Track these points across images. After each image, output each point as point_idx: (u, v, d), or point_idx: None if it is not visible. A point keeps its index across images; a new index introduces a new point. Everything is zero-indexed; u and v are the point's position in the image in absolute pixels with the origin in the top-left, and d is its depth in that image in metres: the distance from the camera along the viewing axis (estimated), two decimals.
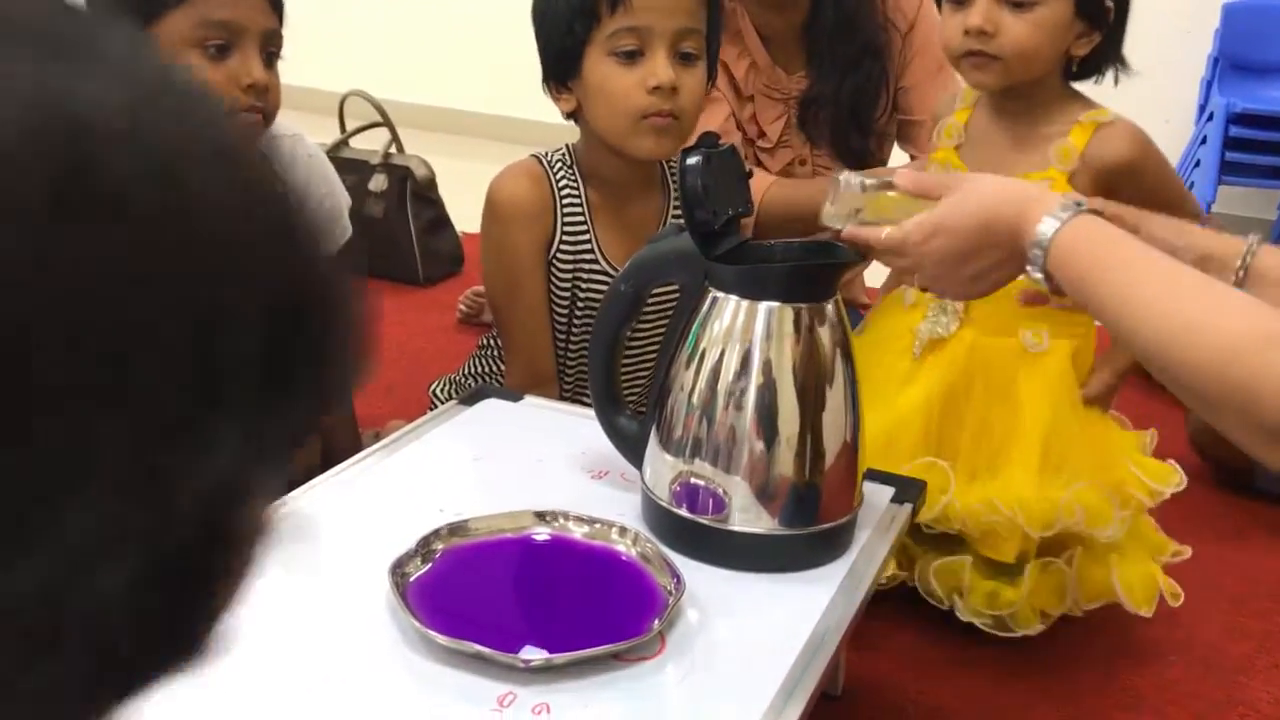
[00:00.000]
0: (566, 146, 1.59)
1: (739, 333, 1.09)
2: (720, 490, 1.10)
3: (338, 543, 1.11)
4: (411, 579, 1.01)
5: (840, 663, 1.45)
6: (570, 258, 1.55)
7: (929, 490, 1.34)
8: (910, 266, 1.09)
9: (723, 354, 1.10)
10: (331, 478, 1.23)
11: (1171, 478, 1.50)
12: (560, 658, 0.92)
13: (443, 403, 1.55)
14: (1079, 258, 0.95)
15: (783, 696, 0.92)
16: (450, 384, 1.72)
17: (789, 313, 1.08)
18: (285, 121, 1.63)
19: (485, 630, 0.95)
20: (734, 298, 1.09)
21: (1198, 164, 3.07)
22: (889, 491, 1.27)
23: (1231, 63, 3.14)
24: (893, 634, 1.58)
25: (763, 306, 1.09)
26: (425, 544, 1.05)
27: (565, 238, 1.54)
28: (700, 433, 1.10)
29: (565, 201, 1.55)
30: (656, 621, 0.97)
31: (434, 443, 1.32)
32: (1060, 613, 1.51)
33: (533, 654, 0.92)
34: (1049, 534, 1.45)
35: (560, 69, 1.51)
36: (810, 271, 1.10)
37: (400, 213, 2.70)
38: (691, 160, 1.09)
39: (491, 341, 1.70)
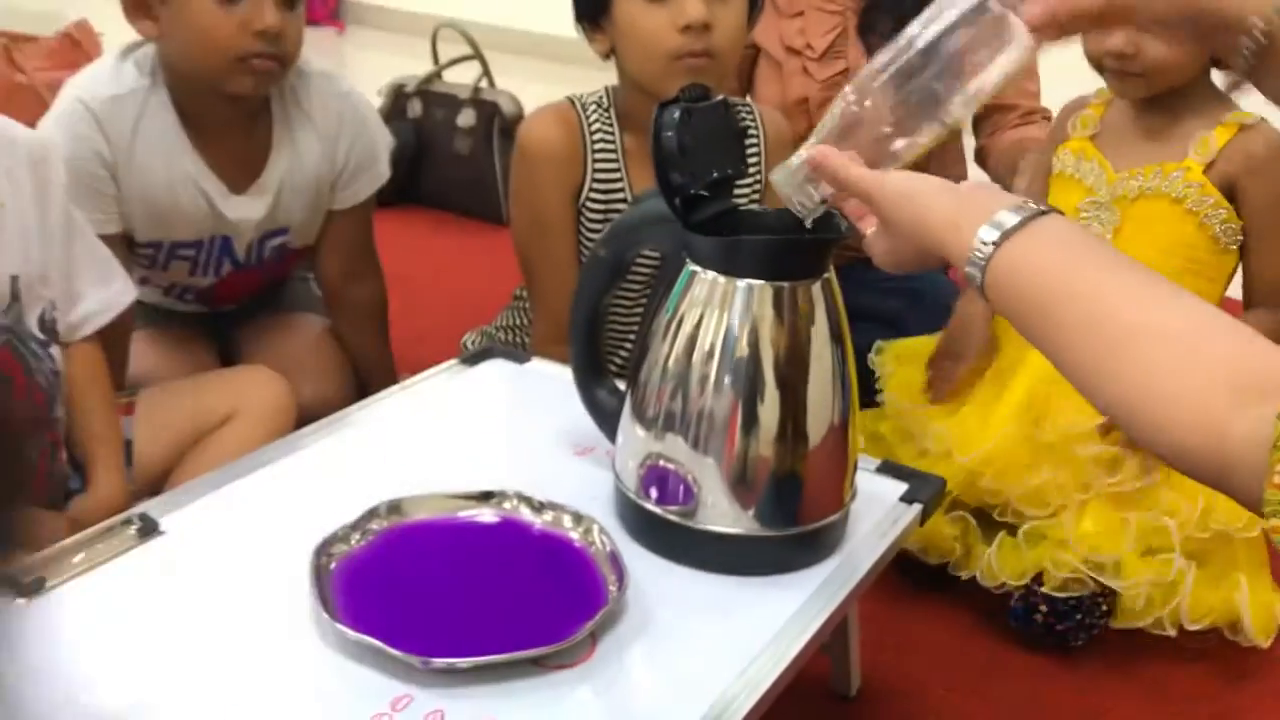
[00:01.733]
0: (605, 89, 1.50)
1: (716, 311, 0.99)
2: (690, 479, 1.00)
3: (285, 512, 1.06)
4: (340, 559, 0.96)
5: (854, 663, 1.34)
6: (601, 205, 1.47)
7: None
8: (877, 216, 0.89)
9: (698, 332, 1.00)
10: (307, 434, 1.18)
11: None
12: (464, 662, 0.85)
13: None
14: (1023, 280, 0.75)
15: (720, 706, 0.84)
16: (482, 335, 1.66)
17: (769, 291, 0.97)
18: (317, 60, 1.59)
19: (403, 621, 0.89)
20: (711, 273, 0.99)
21: None
22: (898, 488, 1.15)
23: None
24: (923, 633, 1.47)
25: (741, 283, 0.98)
26: (362, 522, 0.99)
27: (596, 183, 1.46)
28: (673, 416, 1.01)
29: (597, 146, 1.47)
30: (587, 625, 0.89)
31: (420, 403, 1.26)
32: (1156, 617, 1.38)
33: (438, 656, 0.85)
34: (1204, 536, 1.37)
35: (590, 8, 1.41)
36: (794, 246, 0.98)
37: (486, 150, 2.65)
38: (667, 115, 0.98)
39: (525, 293, 1.63)
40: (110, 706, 0.80)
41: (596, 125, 1.47)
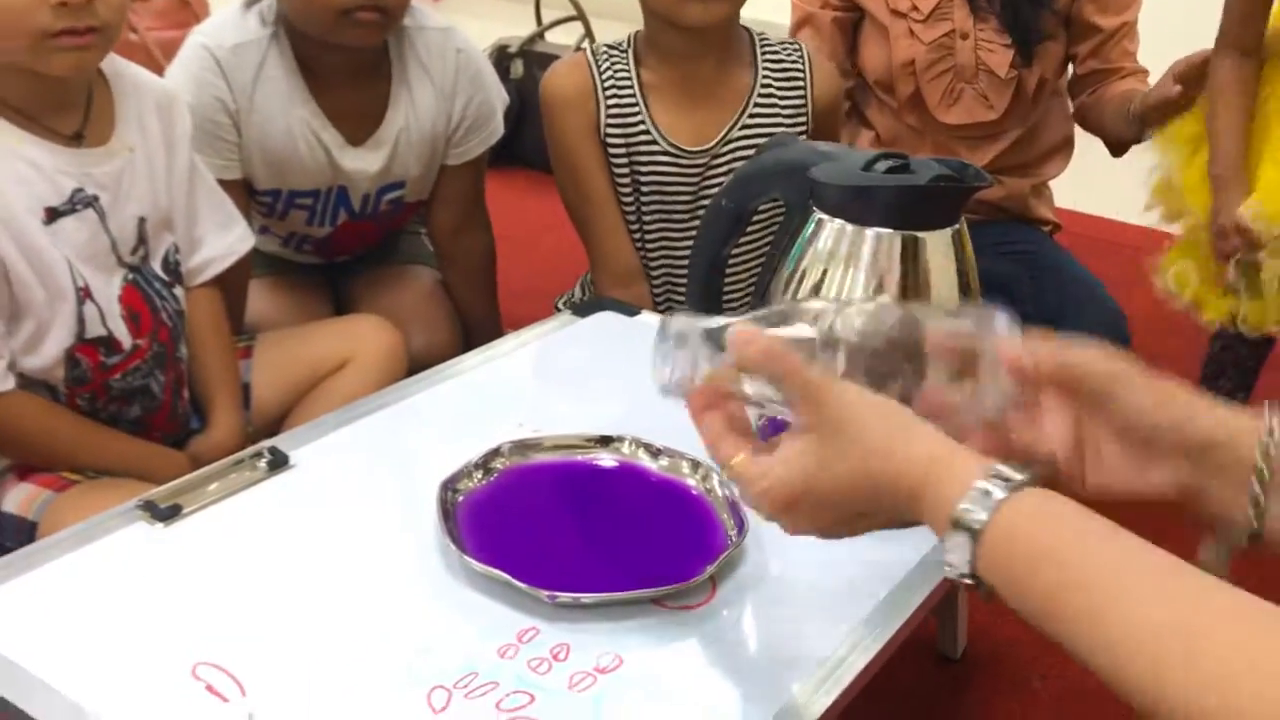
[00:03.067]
0: (633, 33, 1.55)
1: (841, 261, 0.98)
2: None
3: (408, 450, 1.08)
4: (465, 495, 0.97)
5: (962, 624, 1.33)
6: (620, 137, 1.50)
7: None
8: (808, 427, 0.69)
9: (823, 283, 0.99)
10: (423, 380, 1.20)
11: None
12: (589, 598, 0.86)
13: None
14: (1025, 557, 0.60)
15: (835, 661, 0.83)
16: (571, 298, 1.67)
17: (898, 241, 0.96)
18: (435, 13, 1.60)
19: (527, 558, 0.90)
20: (838, 221, 0.98)
21: None
22: None
23: None
24: None
25: (869, 233, 0.97)
26: (486, 460, 1.00)
27: (611, 118, 1.50)
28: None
29: (609, 83, 1.51)
30: (708, 567, 0.89)
31: (535, 352, 1.27)
32: None
33: (564, 591, 0.86)
34: None
35: None
36: (927, 194, 0.96)
37: None
38: None
39: None
40: (240, 629, 0.82)
41: (610, 65, 1.52)
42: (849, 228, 0.97)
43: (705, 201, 1.52)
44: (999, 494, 0.61)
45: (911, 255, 0.97)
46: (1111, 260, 2.16)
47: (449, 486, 0.96)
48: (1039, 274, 1.79)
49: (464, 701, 0.77)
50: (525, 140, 2.73)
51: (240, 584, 0.88)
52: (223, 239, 1.40)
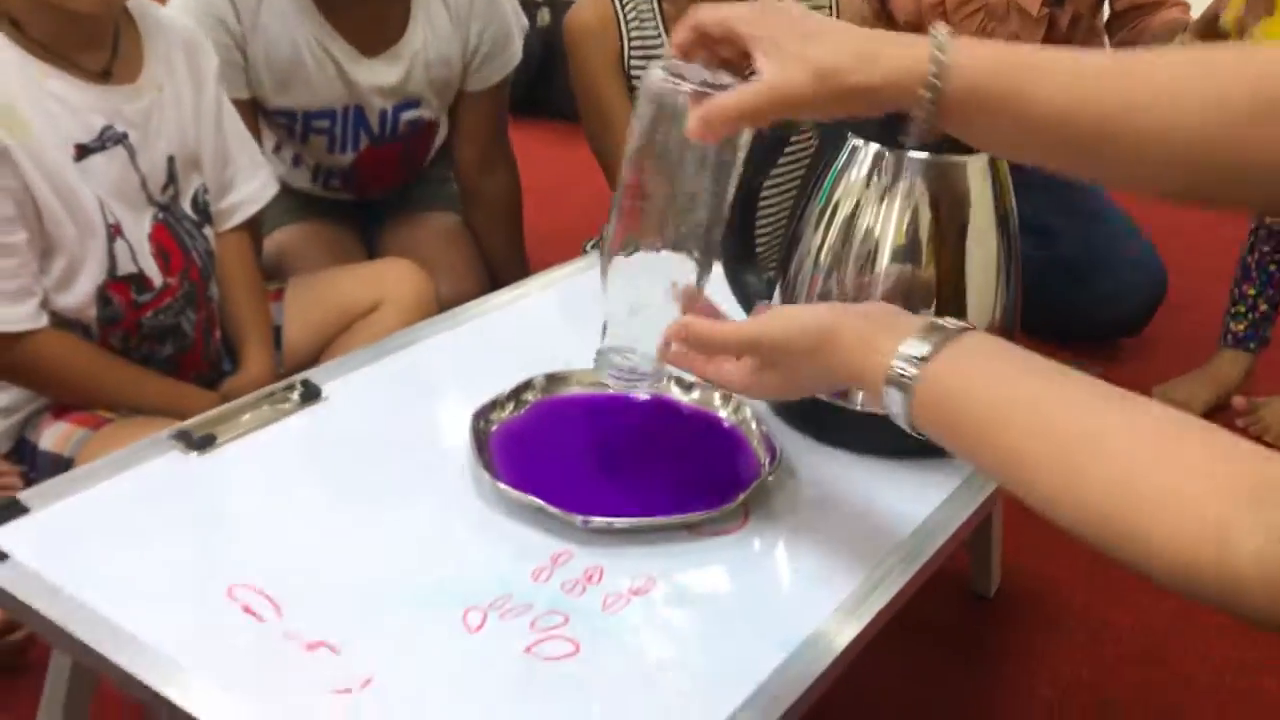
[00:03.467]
0: None
1: (876, 187, 0.97)
2: None
3: (439, 384, 1.08)
4: (497, 425, 0.97)
5: (995, 562, 1.33)
6: (643, 68, 1.48)
7: None
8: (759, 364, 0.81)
9: (856, 211, 0.98)
10: (453, 317, 1.20)
11: None
12: (622, 522, 0.86)
13: None
14: (950, 408, 0.67)
15: (865, 589, 0.83)
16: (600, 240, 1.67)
17: (932, 166, 0.95)
18: None
19: (559, 486, 0.89)
20: (874, 146, 0.97)
21: None
22: None
23: None
24: (1067, 539, 1.44)
25: (905, 157, 0.95)
26: (518, 392, 1.00)
27: (634, 49, 1.50)
28: (828, 298, 0.99)
29: (631, 14, 1.51)
30: (741, 494, 0.89)
31: (562, 292, 1.26)
32: None
33: (596, 515, 0.86)
34: None
35: None
36: None
37: None
38: None
39: None
40: (275, 553, 0.82)
41: None
42: (886, 152, 0.96)
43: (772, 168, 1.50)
44: (926, 350, 0.68)
45: (949, 181, 0.95)
46: (1150, 205, 2.12)
47: (481, 416, 0.96)
48: (1076, 217, 1.77)
49: (499, 622, 0.77)
50: (553, 90, 2.72)
51: (274, 510, 0.88)
52: (250, 184, 1.40)
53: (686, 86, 0.79)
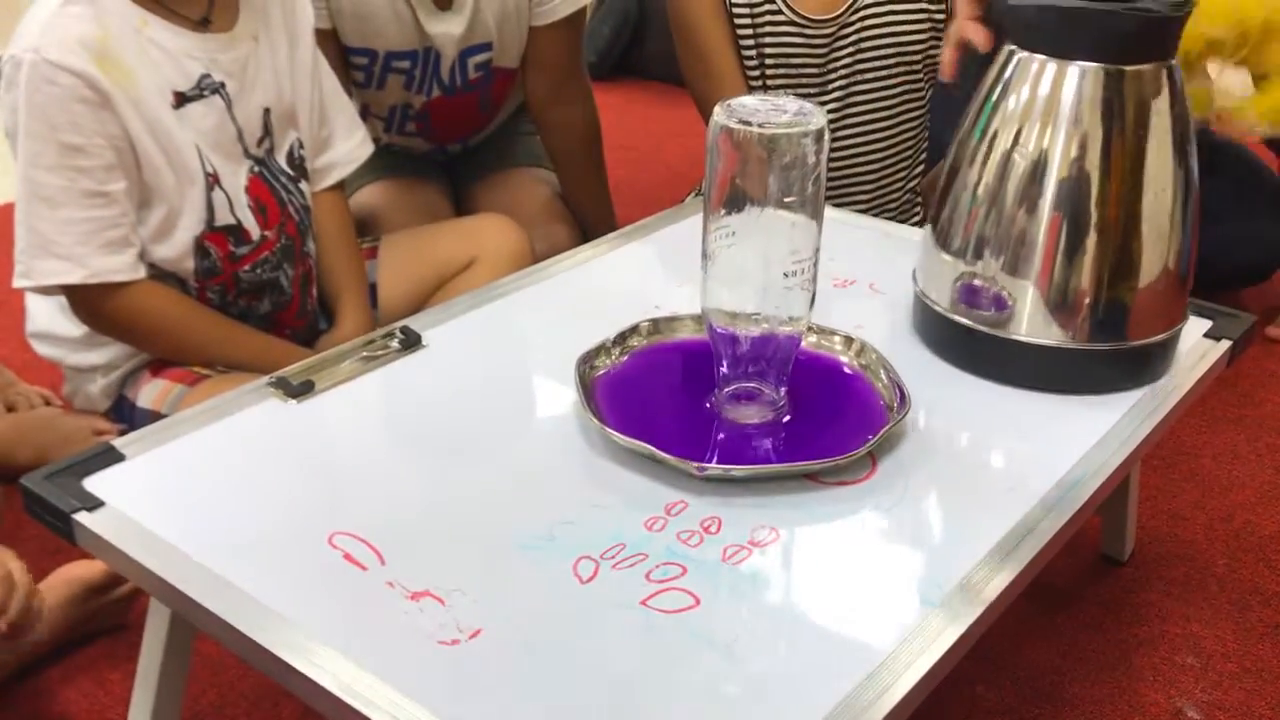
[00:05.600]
0: None
1: (1041, 102, 0.89)
2: (1005, 294, 0.93)
3: (541, 331, 1.04)
4: (602, 372, 0.92)
5: (1130, 526, 1.24)
6: (746, 9, 1.46)
7: None
8: None
9: (1020, 129, 0.90)
10: (552, 265, 1.15)
11: None
12: (740, 470, 0.80)
13: None
14: None
15: (1001, 551, 0.76)
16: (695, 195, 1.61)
17: (1104, 77, 0.87)
18: None
19: (669, 433, 0.84)
20: (1038, 56, 0.89)
21: None
22: (1203, 324, 1.03)
23: None
24: (1201, 503, 1.34)
25: (1073, 69, 0.88)
26: (623, 337, 0.95)
27: None
28: (986, 232, 0.93)
29: None
30: (866, 443, 0.82)
31: (662, 240, 1.21)
32: None
33: (712, 463, 0.81)
34: None
35: None
36: (1139, 21, 0.85)
37: None
38: None
39: None
40: (376, 501, 0.78)
41: None
42: (1050, 63, 0.88)
43: (833, 76, 1.45)
44: None
45: (1122, 90, 0.87)
46: None
47: (586, 362, 0.91)
48: (1214, 153, 1.67)
49: (612, 573, 0.72)
50: (646, 52, 2.67)
51: (375, 457, 0.84)
52: (347, 144, 1.37)
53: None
